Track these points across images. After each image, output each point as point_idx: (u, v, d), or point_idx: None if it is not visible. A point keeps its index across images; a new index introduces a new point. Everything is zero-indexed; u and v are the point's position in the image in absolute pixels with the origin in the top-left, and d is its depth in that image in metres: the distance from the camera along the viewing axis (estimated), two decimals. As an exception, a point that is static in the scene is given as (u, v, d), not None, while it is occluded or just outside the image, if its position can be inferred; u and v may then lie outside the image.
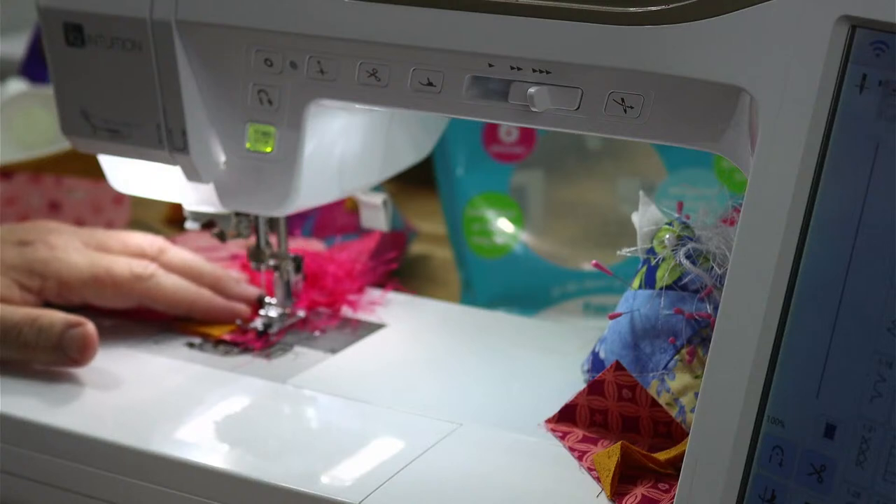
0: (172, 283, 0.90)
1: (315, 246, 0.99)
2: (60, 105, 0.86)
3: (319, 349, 0.89)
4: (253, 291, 0.93)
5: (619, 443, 0.70)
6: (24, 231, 0.91)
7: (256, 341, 0.90)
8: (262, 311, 0.92)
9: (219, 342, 0.90)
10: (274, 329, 0.91)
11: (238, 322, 0.92)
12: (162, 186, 0.89)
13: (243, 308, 0.92)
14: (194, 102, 0.81)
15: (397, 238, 1.17)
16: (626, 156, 1.08)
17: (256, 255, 0.91)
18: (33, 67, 1.42)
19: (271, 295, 0.93)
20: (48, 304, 0.88)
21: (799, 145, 0.60)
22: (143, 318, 0.92)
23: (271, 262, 0.91)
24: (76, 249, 0.90)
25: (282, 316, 0.92)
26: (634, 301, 0.79)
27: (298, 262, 0.92)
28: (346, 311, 0.95)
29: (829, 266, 0.59)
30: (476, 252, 1.08)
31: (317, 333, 0.92)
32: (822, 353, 0.59)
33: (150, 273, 0.90)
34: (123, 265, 0.89)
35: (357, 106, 0.80)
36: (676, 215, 0.79)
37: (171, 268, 0.91)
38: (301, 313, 0.93)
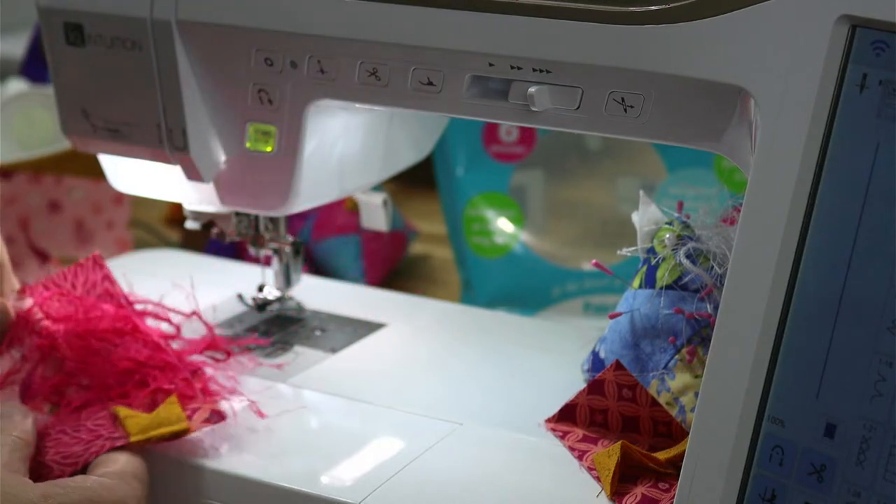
0: None
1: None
2: (60, 105, 0.86)
3: (319, 349, 0.89)
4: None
5: (620, 442, 0.70)
6: None
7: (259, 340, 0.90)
8: (259, 294, 0.93)
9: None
10: (272, 308, 0.91)
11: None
12: (162, 186, 0.89)
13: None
14: (194, 102, 0.81)
15: (397, 238, 1.17)
16: (626, 156, 1.08)
17: (255, 240, 0.91)
18: (33, 67, 1.42)
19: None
20: None
21: (799, 145, 0.60)
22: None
23: (271, 246, 0.91)
24: None
25: (280, 299, 0.93)
26: (634, 301, 0.79)
27: (298, 246, 0.92)
28: (348, 311, 0.95)
29: (829, 266, 0.59)
30: (476, 252, 1.08)
31: (317, 333, 0.92)
32: (822, 353, 0.59)
33: None
34: None
35: (357, 106, 0.80)
36: (676, 215, 0.79)
37: None
38: (296, 300, 0.93)
